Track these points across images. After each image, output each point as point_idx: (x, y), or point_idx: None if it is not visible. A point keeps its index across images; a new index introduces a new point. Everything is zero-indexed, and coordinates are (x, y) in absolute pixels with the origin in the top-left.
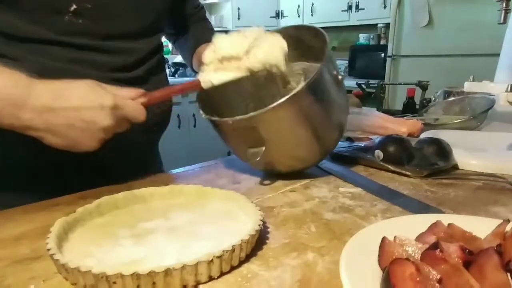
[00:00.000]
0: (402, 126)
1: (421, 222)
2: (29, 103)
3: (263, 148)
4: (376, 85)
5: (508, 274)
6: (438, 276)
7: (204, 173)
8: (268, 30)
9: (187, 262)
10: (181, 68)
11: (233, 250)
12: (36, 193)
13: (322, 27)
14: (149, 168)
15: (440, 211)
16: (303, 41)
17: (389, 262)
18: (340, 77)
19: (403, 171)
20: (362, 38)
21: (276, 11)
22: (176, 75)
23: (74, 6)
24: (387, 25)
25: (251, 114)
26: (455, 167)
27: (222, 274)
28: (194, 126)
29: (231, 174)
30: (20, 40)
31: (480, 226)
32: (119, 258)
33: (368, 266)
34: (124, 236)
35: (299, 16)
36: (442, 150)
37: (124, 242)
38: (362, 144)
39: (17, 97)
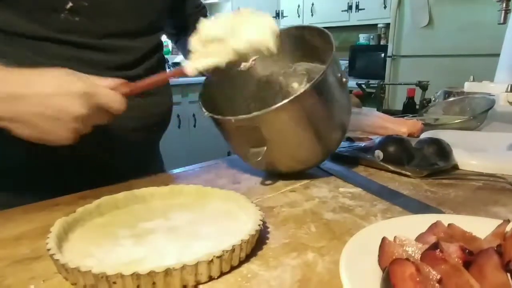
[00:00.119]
0: (402, 126)
1: (421, 222)
2: None
3: (265, 148)
4: (376, 85)
5: (508, 274)
6: (438, 276)
7: (204, 173)
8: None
9: (187, 262)
10: None
11: (233, 250)
12: (36, 193)
13: (322, 27)
14: (149, 168)
15: (440, 211)
16: (306, 41)
17: (389, 262)
18: (344, 79)
19: (403, 171)
20: (362, 38)
21: (276, 11)
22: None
23: (70, 4)
24: (387, 25)
25: (254, 113)
26: (455, 167)
27: (222, 274)
28: (194, 126)
29: (231, 174)
30: (16, 37)
31: (480, 226)
32: (119, 258)
33: (368, 266)
34: (124, 236)
35: (299, 16)
36: (442, 150)
37: (124, 242)
38: (362, 144)
39: None
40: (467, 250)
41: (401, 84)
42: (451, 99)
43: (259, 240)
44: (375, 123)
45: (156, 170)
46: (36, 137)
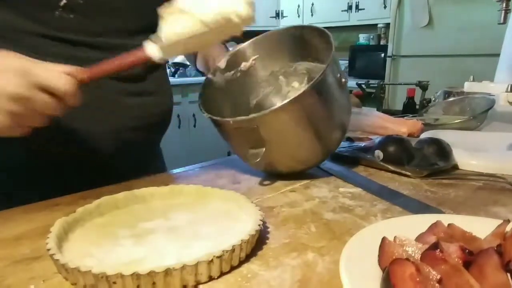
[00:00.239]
0: (402, 126)
1: (421, 222)
2: None
3: (264, 149)
4: (376, 85)
5: (508, 274)
6: (438, 276)
7: (204, 173)
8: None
9: (187, 262)
10: (181, 68)
11: (233, 250)
12: (36, 193)
13: (322, 27)
14: (149, 168)
15: (440, 211)
16: (306, 41)
17: (389, 262)
18: (343, 80)
19: (403, 171)
20: (362, 38)
21: (276, 11)
22: (176, 75)
23: (64, 1)
24: (387, 25)
25: (253, 115)
26: (455, 167)
27: (222, 274)
28: (194, 126)
29: (231, 174)
30: (10, 35)
31: (480, 226)
32: (119, 258)
33: (368, 266)
34: (124, 236)
35: (299, 16)
36: (442, 150)
37: (124, 242)
38: (362, 144)
39: None
40: (467, 250)
41: (401, 84)
42: (451, 99)
43: (259, 240)
44: (375, 123)
45: (156, 170)
46: None
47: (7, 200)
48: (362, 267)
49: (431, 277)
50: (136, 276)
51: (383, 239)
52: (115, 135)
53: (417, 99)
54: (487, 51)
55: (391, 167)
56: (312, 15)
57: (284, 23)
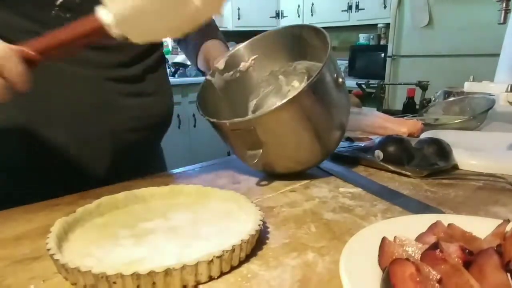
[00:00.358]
0: (402, 126)
1: (421, 222)
2: None
3: (261, 151)
4: (376, 85)
5: (508, 274)
6: (438, 276)
7: (204, 173)
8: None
9: (187, 262)
10: (181, 68)
11: (233, 250)
12: (36, 193)
13: (322, 27)
14: (149, 168)
15: (440, 211)
16: (304, 40)
17: (389, 262)
18: (340, 80)
19: (403, 171)
20: (362, 38)
21: (276, 11)
22: (176, 75)
23: (60, 0)
24: (387, 25)
25: (249, 116)
26: (455, 167)
27: (222, 274)
28: (194, 126)
29: (231, 174)
30: (8, 34)
31: (480, 226)
32: (119, 258)
33: (368, 266)
34: (124, 236)
35: (299, 16)
36: (442, 150)
37: (124, 242)
38: (362, 144)
39: None
40: (467, 250)
41: (401, 84)
42: (451, 99)
43: (259, 240)
44: (375, 123)
45: (156, 170)
46: None
47: (7, 200)
48: (362, 267)
49: (431, 277)
50: (136, 276)
51: (383, 239)
52: (114, 136)
53: (417, 99)
54: (487, 51)
55: (391, 167)
56: (312, 15)
57: (284, 23)
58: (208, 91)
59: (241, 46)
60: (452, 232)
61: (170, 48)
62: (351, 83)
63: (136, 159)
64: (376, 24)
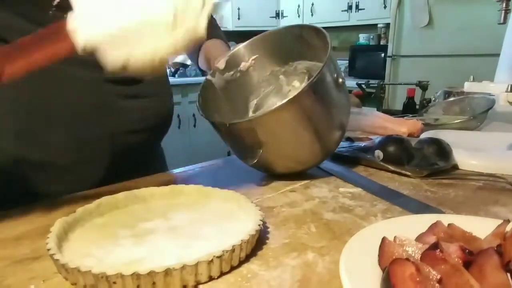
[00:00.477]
0: (402, 126)
1: (421, 222)
2: None
3: (261, 151)
4: (376, 85)
5: (508, 274)
6: (438, 276)
7: (204, 173)
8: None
9: (187, 262)
10: (181, 68)
11: (233, 250)
12: (36, 193)
13: (322, 27)
14: (149, 169)
15: (440, 211)
16: (305, 40)
17: (389, 262)
18: (341, 80)
19: (403, 171)
20: (362, 38)
21: (276, 11)
22: (176, 75)
23: (57, 0)
24: (387, 25)
25: (249, 117)
26: (455, 167)
27: (222, 274)
28: (194, 126)
29: (231, 174)
30: (6, 34)
31: (480, 226)
32: (119, 258)
33: (368, 266)
34: (124, 236)
35: (299, 16)
36: (442, 150)
37: (124, 242)
38: (362, 144)
39: None
40: (467, 250)
41: (401, 84)
42: (451, 99)
43: (259, 240)
44: (375, 123)
45: (156, 170)
46: None
47: (7, 200)
48: (362, 267)
49: (431, 277)
50: (136, 276)
51: (383, 239)
52: (113, 138)
53: (417, 99)
54: (487, 51)
55: (391, 167)
56: (312, 15)
57: (284, 23)
58: (208, 91)
59: (242, 46)
60: (452, 232)
61: None
62: (351, 83)
63: (136, 160)
64: (376, 24)
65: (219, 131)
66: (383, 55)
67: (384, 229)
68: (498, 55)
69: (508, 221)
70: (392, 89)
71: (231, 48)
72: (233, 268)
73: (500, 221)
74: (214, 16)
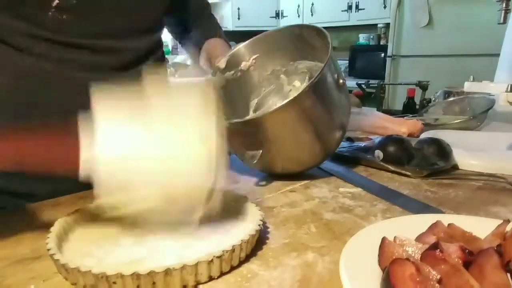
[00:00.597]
0: (402, 126)
1: (421, 222)
2: None
3: (260, 152)
4: (376, 85)
5: (508, 274)
6: (438, 276)
7: None
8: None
9: (187, 262)
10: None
11: (233, 250)
12: (36, 193)
13: (322, 27)
14: None
15: (440, 211)
16: (306, 40)
17: (389, 262)
18: (341, 81)
19: (403, 171)
20: (362, 38)
21: (276, 11)
22: (176, 75)
23: (56, 1)
24: (387, 25)
25: (248, 118)
26: (455, 167)
27: (222, 274)
28: None
29: (231, 174)
30: (5, 36)
31: (480, 226)
32: (119, 258)
33: (368, 266)
34: (124, 236)
35: (299, 16)
36: (442, 150)
37: (124, 242)
38: (362, 144)
39: None
40: (467, 250)
41: (401, 84)
42: (451, 99)
43: (259, 240)
44: (375, 123)
45: None
46: None
47: (7, 200)
48: (362, 267)
49: (431, 277)
50: (136, 276)
51: (383, 239)
52: None
53: (417, 99)
54: (487, 51)
55: (391, 167)
56: (312, 15)
57: (284, 23)
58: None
59: (242, 45)
60: (452, 232)
61: (170, 48)
62: (351, 83)
63: None
64: (376, 24)
65: None
66: (383, 55)
67: (384, 229)
68: (498, 55)
69: (508, 221)
70: (392, 89)
71: (232, 48)
72: (233, 268)
73: (500, 221)
74: (215, 15)
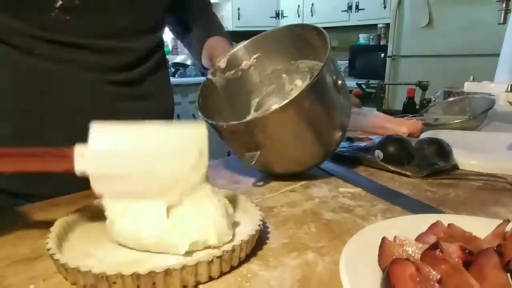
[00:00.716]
0: (402, 126)
1: (421, 222)
2: None
3: (258, 153)
4: (376, 85)
5: (508, 274)
6: (438, 276)
7: None
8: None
9: (187, 262)
10: (181, 68)
11: (233, 250)
12: (36, 193)
13: (322, 27)
14: None
15: (440, 211)
16: (306, 40)
17: (389, 262)
18: (340, 82)
19: (403, 171)
20: (362, 38)
21: (276, 11)
22: (176, 75)
23: (60, 2)
24: (387, 25)
25: (247, 119)
26: (455, 167)
27: (222, 274)
28: None
29: (231, 174)
30: (7, 37)
31: (480, 226)
32: (119, 258)
33: (368, 266)
34: None
35: (299, 16)
36: (442, 150)
37: None
38: (362, 144)
39: None
40: (467, 250)
41: (401, 84)
42: (451, 99)
43: (259, 240)
44: (375, 123)
45: None
46: None
47: (7, 200)
48: (362, 267)
49: (431, 277)
50: (136, 276)
51: (383, 239)
52: None
53: (417, 99)
54: (487, 51)
55: (391, 167)
56: (312, 15)
57: (284, 23)
58: (209, 90)
59: (243, 45)
60: (452, 232)
61: (170, 48)
62: (351, 83)
63: None
64: (376, 24)
65: (218, 132)
66: (383, 55)
67: (384, 229)
68: (498, 55)
69: (508, 221)
70: (392, 89)
71: (233, 47)
72: (233, 268)
73: (500, 221)
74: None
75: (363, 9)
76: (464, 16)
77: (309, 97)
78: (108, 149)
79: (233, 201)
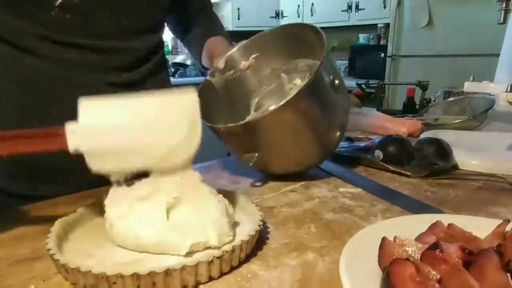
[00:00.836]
0: (402, 126)
1: (421, 222)
2: None
3: (256, 155)
4: (376, 85)
5: (508, 274)
6: (438, 276)
7: (204, 173)
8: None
9: (187, 263)
10: (181, 68)
11: (233, 250)
12: (36, 193)
13: (322, 27)
14: None
15: (440, 211)
16: (305, 39)
17: (389, 262)
18: (337, 82)
19: (403, 171)
20: (362, 38)
21: (276, 11)
22: (176, 75)
23: (59, 1)
24: (387, 25)
25: (244, 121)
26: (455, 167)
27: (222, 274)
28: None
29: (231, 174)
30: (7, 35)
31: (480, 226)
32: (119, 258)
33: (368, 266)
34: None
35: (299, 16)
36: (442, 150)
37: None
38: (362, 144)
39: None
40: (467, 250)
41: (401, 84)
42: (451, 99)
43: (259, 240)
44: (375, 123)
45: None
46: None
47: (7, 200)
48: (362, 267)
49: (431, 277)
50: (136, 276)
51: (383, 239)
52: None
53: (417, 99)
54: (487, 51)
55: (391, 167)
56: (312, 15)
57: (284, 23)
58: (208, 91)
59: (241, 45)
60: (452, 232)
61: (170, 48)
62: (351, 83)
63: None
64: (376, 24)
65: (216, 134)
66: (383, 55)
67: (384, 229)
68: (498, 55)
69: (508, 221)
70: (392, 89)
71: (231, 48)
72: (233, 268)
73: (500, 221)
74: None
75: (363, 9)
76: (464, 16)
77: (306, 98)
78: (100, 124)
79: (233, 201)
